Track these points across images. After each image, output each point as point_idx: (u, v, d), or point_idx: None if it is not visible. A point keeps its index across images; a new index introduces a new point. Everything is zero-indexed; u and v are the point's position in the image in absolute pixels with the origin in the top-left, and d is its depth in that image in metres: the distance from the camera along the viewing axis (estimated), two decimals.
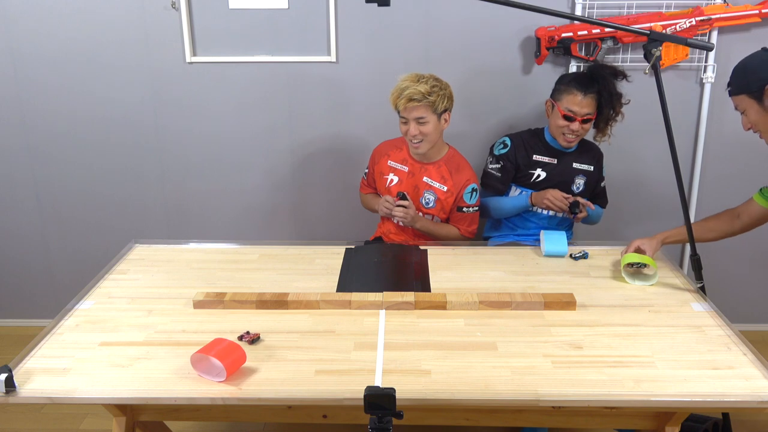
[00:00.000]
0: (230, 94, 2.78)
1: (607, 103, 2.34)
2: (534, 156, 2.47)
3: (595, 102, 2.34)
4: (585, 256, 2.16)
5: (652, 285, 1.98)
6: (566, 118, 2.34)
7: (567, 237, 2.23)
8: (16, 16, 2.68)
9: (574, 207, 2.36)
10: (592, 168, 2.49)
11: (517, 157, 2.47)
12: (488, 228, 2.65)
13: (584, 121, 2.34)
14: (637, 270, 2.03)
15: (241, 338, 1.65)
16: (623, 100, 2.37)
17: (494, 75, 2.72)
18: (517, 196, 2.50)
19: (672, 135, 1.91)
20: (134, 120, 2.81)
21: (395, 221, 2.43)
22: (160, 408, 1.81)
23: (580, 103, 2.31)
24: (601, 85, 2.32)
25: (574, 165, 2.47)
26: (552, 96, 2.42)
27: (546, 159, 2.46)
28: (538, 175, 2.46)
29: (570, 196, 2.39)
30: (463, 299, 1.83)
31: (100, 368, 1.56)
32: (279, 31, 2.69)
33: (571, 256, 2.17)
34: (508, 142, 2.49)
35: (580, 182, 2.49)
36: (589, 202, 2.40)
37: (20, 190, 2.92)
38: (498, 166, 2.49)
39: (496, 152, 2.51)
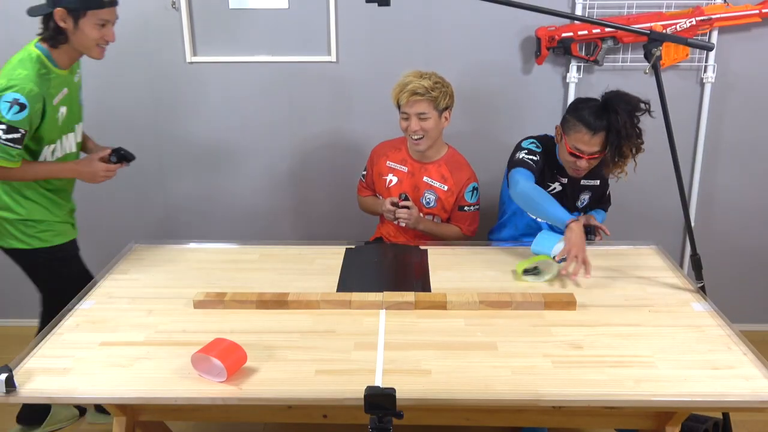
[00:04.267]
0: (230, 94, 2.78)
1: (615, 142, 2.08)
2: (553, 170, 2.31)
3: (605, 140, 2.12)
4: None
5: (546, 280, 2.01)
6: (573, 155, 2.17)
7: None
8: (17, 15, 2.67)
9: (588, 232, 2.25)
10: (598, 182, 2.37)
11: (544, 162, 2.27)
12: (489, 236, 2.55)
13: (592, 158, 2.17)
14: (533, 272, 2.05)
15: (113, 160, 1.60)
16: (639, 141, 2.09)
17: (494, 75, 2.72)
18: (563, 210, 2.10)
19: (672, 135, 1.91)
20: (134, 120, 2.81)
21: (399, 223, 2.41)
22: (160, 408, 1.80)
23: (588, 142, 2.12)
24: (612, 121, 2.06)
25: (582, 182, 2.34)
26: (562, 124, 2.22)
27: (558, 178, 2.32)
28: (554, 188, 2.32)
29: (588, 222, 2.28)
30: (463, 299, 1.83)
31: (100, 368, 1.56)
32: (279, 31, 2.68)
33: (553, 258, 2.16)
34: (539, 145, 2.26)
35: (585, 197, 2.39)
36: (604, 227, 2.29)
37: None
38: (534, 158, 2.23)
39: (529, 147, 2.26)
